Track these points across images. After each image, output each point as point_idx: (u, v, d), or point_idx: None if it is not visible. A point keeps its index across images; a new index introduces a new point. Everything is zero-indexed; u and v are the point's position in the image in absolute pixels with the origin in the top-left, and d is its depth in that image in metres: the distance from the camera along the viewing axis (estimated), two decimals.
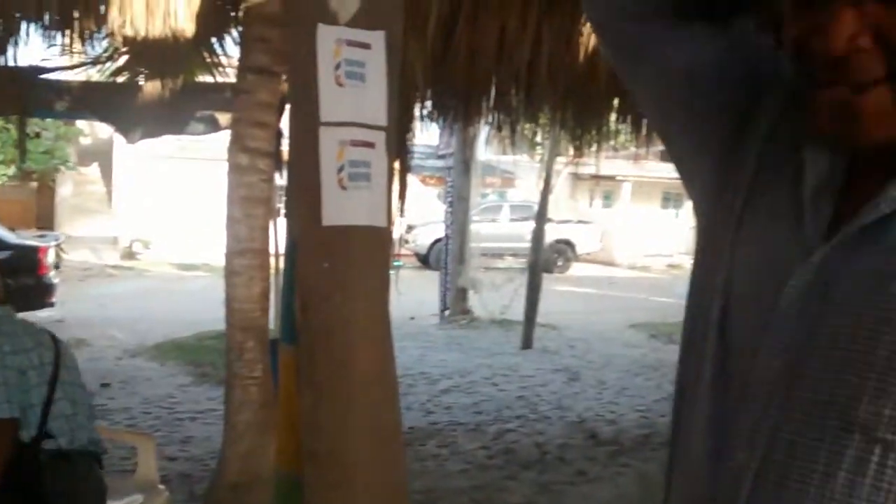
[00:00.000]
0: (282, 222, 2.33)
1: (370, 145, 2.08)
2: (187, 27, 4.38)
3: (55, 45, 4.65)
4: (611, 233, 20.73)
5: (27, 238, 11.43)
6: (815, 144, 0.77)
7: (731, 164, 0.86)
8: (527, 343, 8.98)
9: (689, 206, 26.54)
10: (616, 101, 5.88)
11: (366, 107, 2.07)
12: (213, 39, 4.77)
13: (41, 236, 12.77)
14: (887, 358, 0.68)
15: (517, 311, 9.60)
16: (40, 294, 9.79)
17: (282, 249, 2.24)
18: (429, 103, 5.14)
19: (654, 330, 10.12)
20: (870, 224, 0.72)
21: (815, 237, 0.75)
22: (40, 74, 5.39)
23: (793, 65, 0.74)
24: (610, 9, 0.93)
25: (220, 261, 3.91)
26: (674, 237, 21.10)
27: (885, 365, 0.68)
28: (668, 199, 23.27)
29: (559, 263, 18.45)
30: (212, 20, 4.50)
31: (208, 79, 5.23)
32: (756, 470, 0.75)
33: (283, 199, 2.29)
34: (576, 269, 18.93)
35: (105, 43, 4.83)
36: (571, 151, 8.28)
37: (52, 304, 9.46)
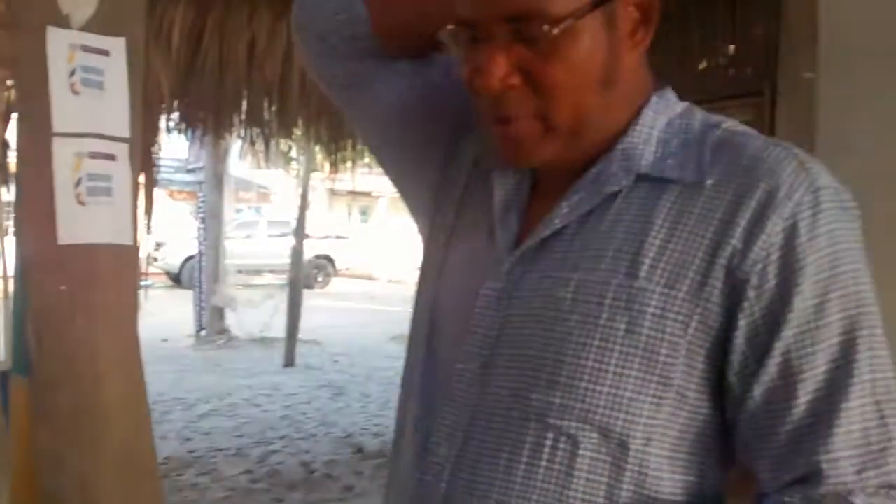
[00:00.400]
0: (9, 241, 2.12)
1: (111, 157, 1.95)
2: None
3: None
4: (369, 247, 21.00)
5: None
6: (500, 168, 0.87)
7: (444, 187, 0.95)
8: (289, 361, 8.84)
9: None
10: None
11: (106, 117, 1.94)
12: None
13: None
14: (557, 352, 0.77)
15: (278, 329, 9.44)
16: None
17: (10, 271, 2.04)
18: (176, 115, 4.92)
19: None
20: (548, 236, 0.81)
21: (505, 249, 0.83)
22: None
23: (471, 99, 0.83)
24: (321, 49, 0.97)
25: None
26: None
27: (555, 359, 0.77)
28: None
29: (319, 279, 18.38)
30: None
31: None
32: (454, 463, 0.81)
33: (11, 216, 2.09)
34: (336, 284, 18.96)
35: None
36: (327, 167, 8.28)
37: None
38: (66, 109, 1.86)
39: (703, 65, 4.77)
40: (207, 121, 4.99)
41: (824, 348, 0.73)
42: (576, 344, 0.76)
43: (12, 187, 2.27)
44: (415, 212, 1.02)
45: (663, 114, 0.83)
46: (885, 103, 3.75)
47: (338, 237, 20.13)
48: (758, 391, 0.75)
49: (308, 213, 9.75)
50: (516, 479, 0.77)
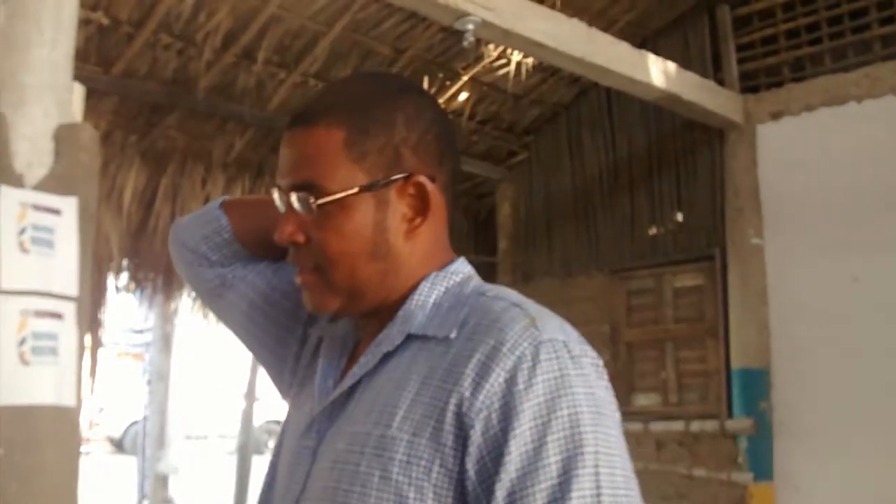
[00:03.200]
0: None
1: (58, 316, 1.91)
2: None
3: None
4: None
5: None
6: (328, 345, 1.02)
7: (295, 367, 1.09)
8: None
9: None
10: None
11: (54, 275, 1.92)
12: None
13: None
14: (331, 500, 0.85)
15: (227, 498, 9.01)
16: None
17: None
18: (125, 275, 4.88)
19: None
20: (343, 395, 0.93)
21: (318, 411, 0.95)
22: None
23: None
24: (194, 259, 1.15)
25: None
26: None
27: None
28: None
29: (270, 445, 17.82)
30: None
31: None
32: None
33: None
34: None
35: None
36: None
37: None
38: (13, 267, 1.84)
39: (652, 231, 4.94)
40: (157, 281, 4.94)
41: (543, 489, 0.78)
42: (344, 492, 0.85)
43: None
44: (279, 390, 1.14)
45: (441, 284, 0.94)
46: (830, 262, 3.90)
47: None
48: None
49: (259, 376, 9.55)
50: None
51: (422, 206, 0.93)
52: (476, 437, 0.80)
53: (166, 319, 9.84)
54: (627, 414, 5.08)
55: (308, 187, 0.91)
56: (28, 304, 1.85)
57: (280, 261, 1.12)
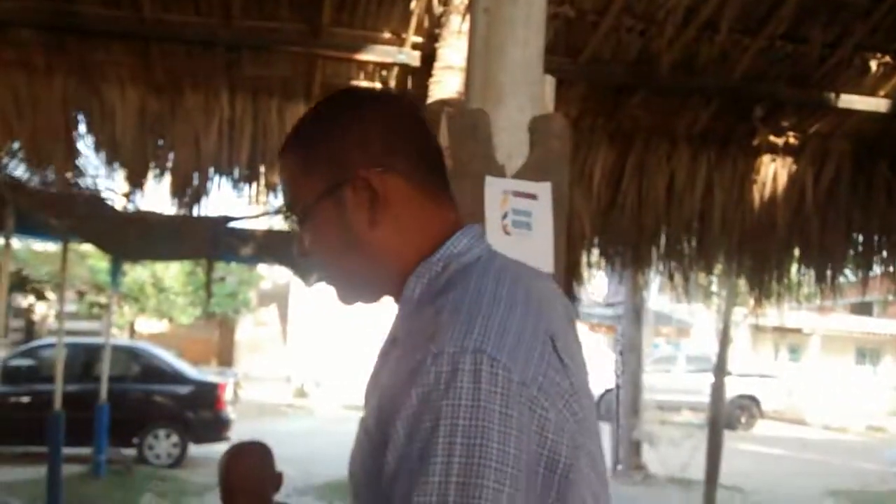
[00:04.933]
0: None
1: None
2: None
3: (243, 196, 5.01)
4: (799, 389, 19.38)
5: (208, 374, 12.14)
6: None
7: None
8: None
9: (888, 362, 23.82)
10: (797, 251, 5.62)
11: (532, 254, 2.09)
12: None
13: (220, 373, 13.51)
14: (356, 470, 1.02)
15: (696, 470, 9.03)
16: (217, 428, 10.32)
17: None
18: (596, 251, 5.12)
19: (856, 498, 9.19)
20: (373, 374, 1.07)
21: None
22: (228, 223, 5.80)
23: None
24: None
25: None
26: (872, 395, 19.42)
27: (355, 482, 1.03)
28: (864, 355, 21.66)
29: (742, 420, 17.36)
30: None
31: None
32: None
33: None
34: (761, 426, 17.71)
35: None
36: (750, 302, 7.88)
37: (227, 438, 9.90)
38: (497, 248, 2.04)
39: None
40: (626, 256, 5.12)
41: (402, 485, 0.87)
42: (355, 462, 1.03)
43: None
44: None
45: (424, 276, 1.02)
46: None
47: (763, 376, 18.91)
48: None
49: (729, 350, 9.35)
50: None
51: (374, 195, 1.02)
52: (380, 434, 0.93)
53: (636, 293, 10.13)
54: None
55: (290, 208, 1.09)
56: None
57: None
